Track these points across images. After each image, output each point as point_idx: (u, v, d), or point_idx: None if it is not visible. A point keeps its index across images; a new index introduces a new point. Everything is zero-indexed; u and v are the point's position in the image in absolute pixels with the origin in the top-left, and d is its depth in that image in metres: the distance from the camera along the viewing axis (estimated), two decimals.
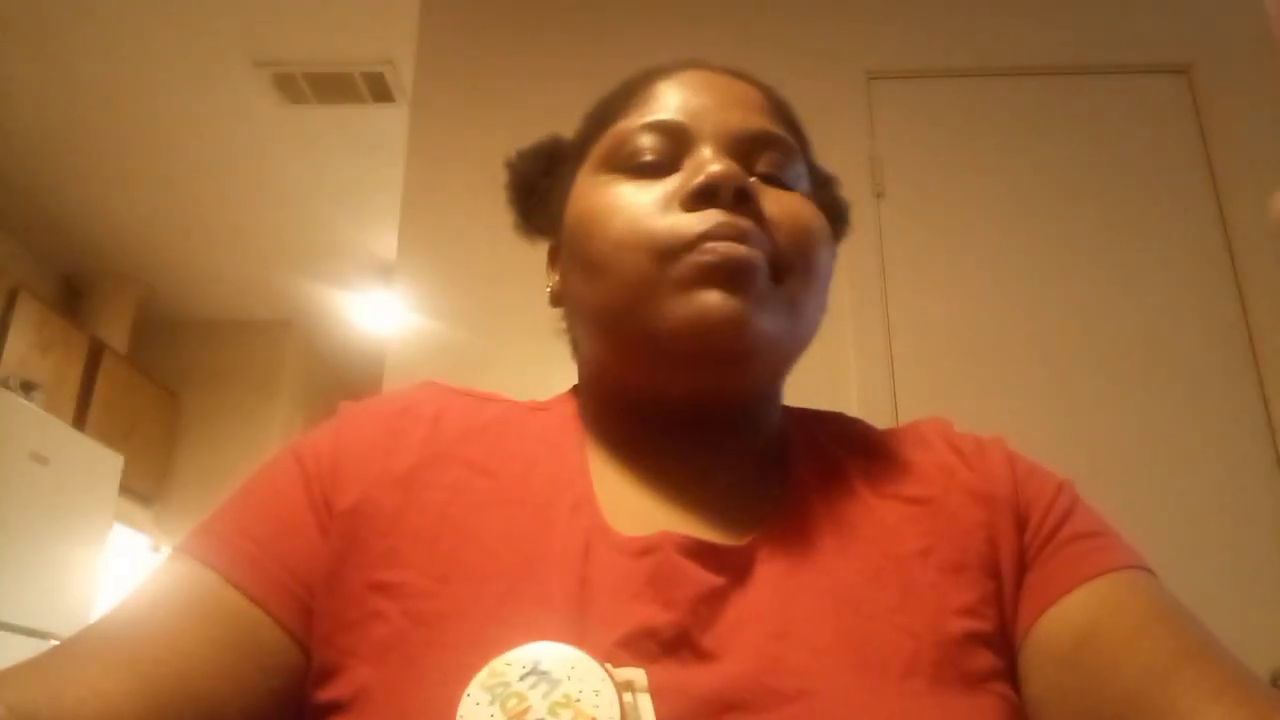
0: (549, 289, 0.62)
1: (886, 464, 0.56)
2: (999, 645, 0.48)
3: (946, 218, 1.95)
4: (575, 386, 0.62)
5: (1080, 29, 2.09)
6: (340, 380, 5.10)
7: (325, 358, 4.96)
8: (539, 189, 0.64)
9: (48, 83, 3.09)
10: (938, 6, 2.14)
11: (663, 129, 0.56)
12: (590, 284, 0.54)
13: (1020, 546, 0.51)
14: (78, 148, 3.42)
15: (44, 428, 3.17)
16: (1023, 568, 0.50)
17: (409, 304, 1.94)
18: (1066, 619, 0.47)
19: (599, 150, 0.58)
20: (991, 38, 2.11)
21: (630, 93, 0.59)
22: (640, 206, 0.53)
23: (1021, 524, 0.52)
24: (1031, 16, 2.12)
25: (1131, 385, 1.79)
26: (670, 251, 0.51)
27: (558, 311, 0.64)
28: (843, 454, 0.57)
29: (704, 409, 0.55)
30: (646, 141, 0.55)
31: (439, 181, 2.03)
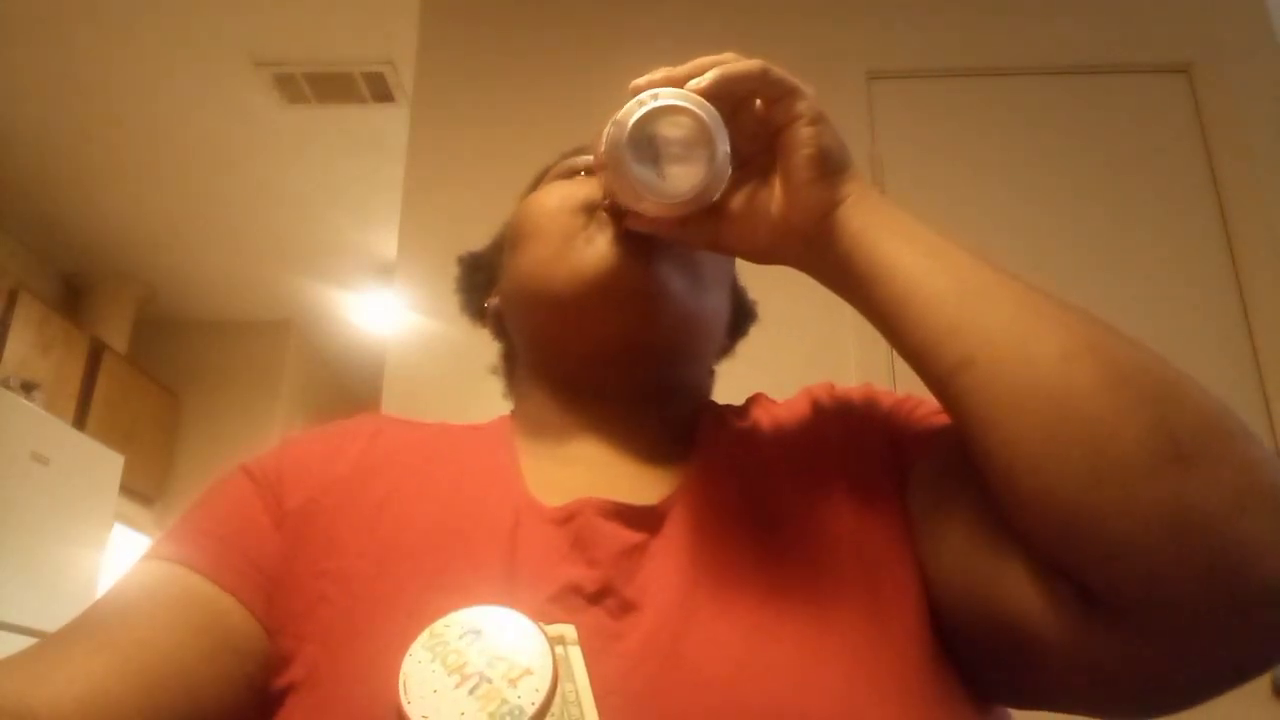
0: (486, 306, 0.72)
1: (782, 425, 0.62)
2: (901, 555, 0.51)
3: (947, 218, 1.93)
4: (509, 413, 0.68)
5: (1080, 29, 2.09)
6: (340, 380, 5.10)
7: (325, 358, 4.96)
8: (483, 264, 0.75)
9: (47, 83, 3.09)
10: (938, 6, 2.14)
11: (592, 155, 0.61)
12: (522, 252, 0.62)
13: (895, 455, 0.56)
14: (78, 148, 3.42)
15: (44, 428, 3.17)
16: (900, 465, 0.55)
17: (409, 304, 1.93)
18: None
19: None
20: (991, 38, 2.11)
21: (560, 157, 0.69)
22: (571, 185, 0.62)
23: (888, 441, 0.57)
24: (1031, 16, 2.11)
25: None
26: (594, 204, 0.59)
27: None
28: (745, 423, 0.62)
29: (620, 366, 0.60)
30: (580, 162, 0.65)
31: (439, 181, 2.03)
